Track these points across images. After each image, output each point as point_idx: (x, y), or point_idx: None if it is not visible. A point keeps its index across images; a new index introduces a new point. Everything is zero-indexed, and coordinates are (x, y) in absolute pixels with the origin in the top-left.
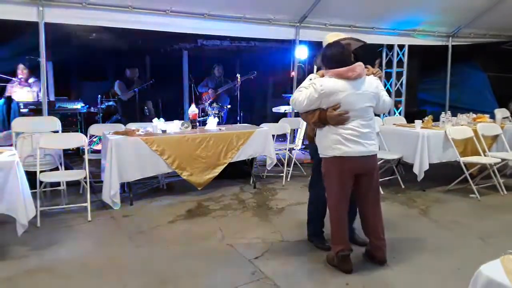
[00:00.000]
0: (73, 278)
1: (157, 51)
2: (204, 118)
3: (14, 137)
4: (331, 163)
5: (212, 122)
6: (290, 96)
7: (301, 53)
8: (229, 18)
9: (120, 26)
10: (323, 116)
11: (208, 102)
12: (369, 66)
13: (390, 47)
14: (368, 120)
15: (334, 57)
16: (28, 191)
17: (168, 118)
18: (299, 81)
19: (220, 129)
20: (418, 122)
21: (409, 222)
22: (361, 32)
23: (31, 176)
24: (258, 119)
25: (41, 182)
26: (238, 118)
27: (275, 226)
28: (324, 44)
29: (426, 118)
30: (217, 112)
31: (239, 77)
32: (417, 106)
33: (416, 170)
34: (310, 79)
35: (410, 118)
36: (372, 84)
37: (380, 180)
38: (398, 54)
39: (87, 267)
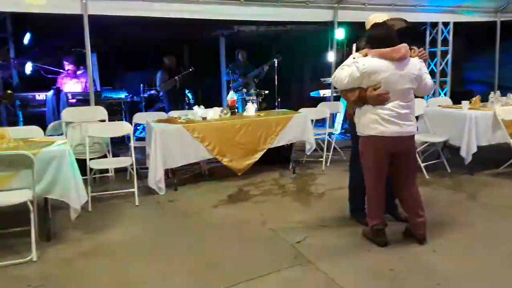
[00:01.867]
0: (124, 260)
1: (194, 40)
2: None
3: (64, 126)
4: (368, 141)
5: (250, 108)
6: (328, 81)
7: (339, 35)
8: (266, 2)
9: (158, 16)
10: (363, 95)
11: (240, 88)
12: (414, 48)
13: (434, 25)
14: (407, 102)
15: (379, 38)
16: (79, 177)
17: (207, 105)
18: (337, 64)
19: (258, 115)
20: (465, 103)
21: (456, 207)
22: (402, 10)
23: (81, 164)
24: (296, 104)
25: (91, 169)
26: (276, 104)
27: (316, 211)
28: (368, 26)
29: (474, 98)
30: (255, 98)
31: (266, 67)
32: (464, 86)
33: (463, 153)
34: (354, 58)
35: (456, 98)
36: (415, 66)
37: (425, 163)
38: (442, 32)
39: (137, 250)
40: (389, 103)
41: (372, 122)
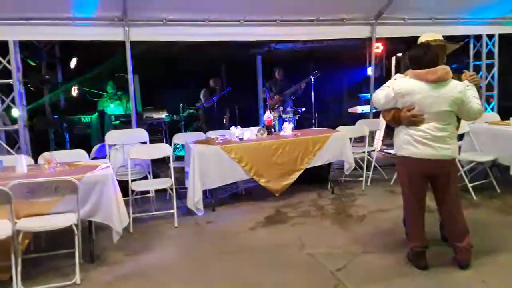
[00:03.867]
0: (164, 284)
1: (231, 59)
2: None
3: (107, 149)
4: (401, 162)
5: (287, 128)
6: (366, 97)
7: (378, 49)
8: (302, 21)
9: (197, 40)
10: (397, 116)
11: (275, 106)
12: (466, 71)
13: (477, 38)
14: (444, 124)
15: (415, 58)
16: (121, 201)
17: (244, 124)
18: (376, 80)
19: (295, 135)
20: None
21: (507, 230)
22: (443, 24)
23: (123, 185)
24: (334, 121)
25: (132, 191)
26: (313, 121)
27: (357, 235)
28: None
29: None
30: (292, 116)
31: (303, 84)
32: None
33: None
34: (395, 79)
35: (504, 113)
36: (455, 88)
37: (472, 184)
38: (487, 45)
39: (177, 273)
40: (424, 125)
41: (405, 143)
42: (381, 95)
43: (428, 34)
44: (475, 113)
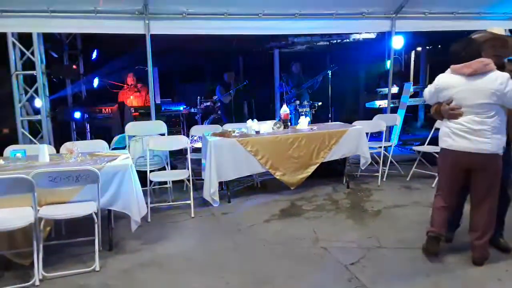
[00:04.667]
0: (179, 273)
1: (249, 52)
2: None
3: (127, 140)
4: (441, 153)
5: (303, 122)
6: (384, 91)
7: (397, 44)
8: (321, 15)
9: (217, 33)
10: (439, 109)
11: (293, 100)
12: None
13: None
14: (484, 118)
15: (454, 53)
16: (140, 191)
17: (261, 118)
18: (395, 74)
19: (311, 129)
20: None
21: None
22: (465, 18)
23: (142, 175)
24: (350, 115)
25: (150, 181)
26: (330, 115)
27: (372, 230)
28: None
29: None
30: (308, 110)
31: (319, 78)
32: None
33: None
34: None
35: None
36: (495, 80)
37: None
38: None
39: (192, 263)
40: (462, 118)
41: (444, 135)
42: (427, 91)
43: (493, 28)
44: None
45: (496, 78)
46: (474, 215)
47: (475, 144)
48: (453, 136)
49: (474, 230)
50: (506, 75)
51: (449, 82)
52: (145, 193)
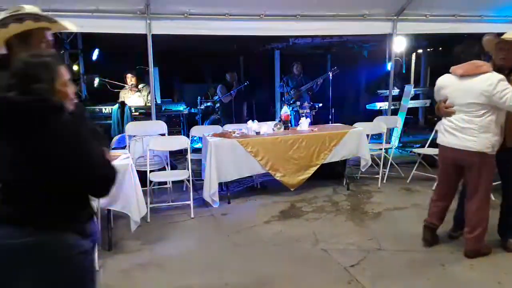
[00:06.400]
0: (179, 273)
1: (250, 53)
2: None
3: (127, 139)
4: (439, 149)
5: (304, 123)
6: (385, 93)
7: (399, 46)
8: (322, 17)
9: (218, 34)
10: (437, 107)
11: (292, 101)
12: None
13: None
14: (472, 117)
15: (457, 54)
16: (140, 191)
17: (261, 119)
18: (396, 76)
19: (312, 130)
20: None
21: None
22: (466, 21)
23: (142, 175)
24: (350, 117)
25: (150, 181)
26: (330, 117)
27: (372, 232)
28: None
29: None
30: (308, 111)
31: (320, 80)
32: None
33: None
34: None
35: None
36: (486, 81)
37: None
38: None
39: (191, 263)
40: (454, 116)
41: (440, 131)
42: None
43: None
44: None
45: (487, 79)
46: (467, 210)
47: (462, 141)
48: (445, 132)
49: (467, 224)
50: (498, 76)
51: (445, 82)
52: (145, 193)
